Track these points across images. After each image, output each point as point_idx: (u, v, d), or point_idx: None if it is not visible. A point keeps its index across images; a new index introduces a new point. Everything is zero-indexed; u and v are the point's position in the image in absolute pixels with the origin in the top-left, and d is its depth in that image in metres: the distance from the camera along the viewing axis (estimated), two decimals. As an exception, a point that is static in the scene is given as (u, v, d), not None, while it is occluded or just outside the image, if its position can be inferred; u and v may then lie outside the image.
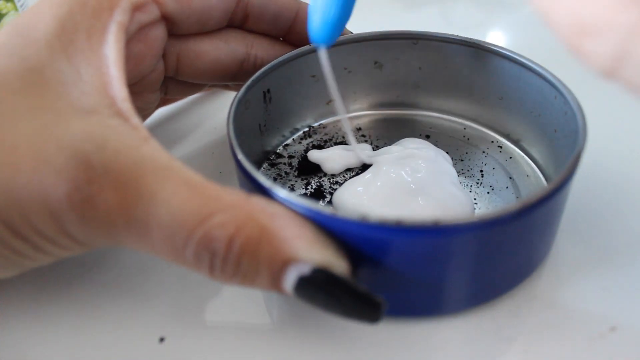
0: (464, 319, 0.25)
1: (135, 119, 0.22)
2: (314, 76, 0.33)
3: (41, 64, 0.22)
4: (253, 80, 0.29)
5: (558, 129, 0.29)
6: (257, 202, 0.22)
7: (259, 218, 0.21)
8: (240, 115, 0.28)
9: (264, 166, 0.32)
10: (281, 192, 0.22)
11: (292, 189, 0.31)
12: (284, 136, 0.34)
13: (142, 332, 0.25)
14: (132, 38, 0.26)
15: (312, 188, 0.31)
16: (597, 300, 0.26)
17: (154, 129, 0.37)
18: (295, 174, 0.32)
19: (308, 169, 0.32)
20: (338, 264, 0.21)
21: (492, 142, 0.33)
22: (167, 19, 0.27)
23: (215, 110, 0.38)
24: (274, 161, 0.33)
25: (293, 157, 0.33)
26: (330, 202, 0.30)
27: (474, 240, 0.22)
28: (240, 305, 0.26)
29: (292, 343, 0.25)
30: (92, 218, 0.20)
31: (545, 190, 0.23)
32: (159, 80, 0.29)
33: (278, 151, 0.33)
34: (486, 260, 0.23)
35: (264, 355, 0.24)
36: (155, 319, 0.25)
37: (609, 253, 0.28)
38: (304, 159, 0.33)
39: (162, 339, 0.25)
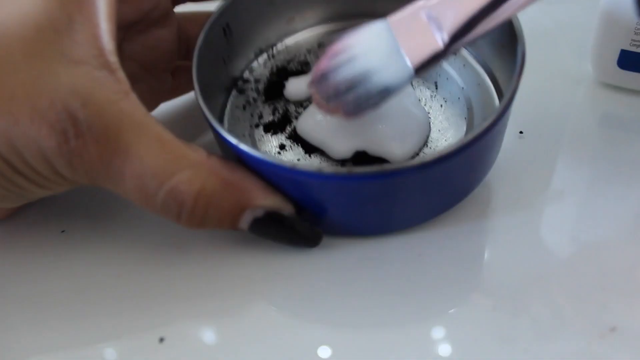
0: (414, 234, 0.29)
1: (120, 72, 0.25)
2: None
3: (37, 11, 0.24)
4: (212, 24, 0.30)
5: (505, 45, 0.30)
6: (216, 159, 0.26)
7: (221, 173, 0.25)
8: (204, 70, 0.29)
9: (233, 94, 0.34)
10: (246, 147, 0.26)
11: (260, 116, 0.33)
12: (249, 59, 0.35)
13: (142, 332, 0.26)
14: None
15: (279, 114, 0.33)
16: (597, 300, 0.27)
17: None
18: (263, 99, 0.34)
19: (274, 94, 0.34)
20: (286, 207, 0.26)
21: None
22: None
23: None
24: (241, 87, 0.34)
25: (259, 81, 0.35)
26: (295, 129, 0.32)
27: (414, 179, 0.26)
28: (240, 304, 0.27)
29: (291, 340, 0.26)
30: (77, 165, 0.24)
31: (473, 134, 0.25)
32: (167, 12, 0.31)
33: (245, 76, 0.35)
34: (428, 189, 0.27)
35: (263, 354, 0.26)
36: (155, 319, 0.26)
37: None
38: (270, 83, 0.34)
39: (162, 339, 0.26)
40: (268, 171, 0.26)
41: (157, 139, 0.24)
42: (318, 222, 0.28)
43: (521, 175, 0.30)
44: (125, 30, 0.30)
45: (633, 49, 0.34)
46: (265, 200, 0.26)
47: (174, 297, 0.27)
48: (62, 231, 0.30)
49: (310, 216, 0.28)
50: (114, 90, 0.24)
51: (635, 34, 0.33)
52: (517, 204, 0.30)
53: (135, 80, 0.31)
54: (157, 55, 0.31)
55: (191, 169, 0.24)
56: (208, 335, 0.27)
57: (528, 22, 0.29)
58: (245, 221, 0.26)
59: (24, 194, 0.26)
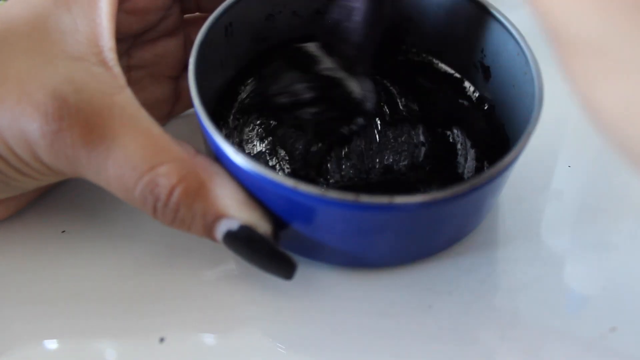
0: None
1: (117, 68, 0.25)
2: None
3: (46, 13, 0.25)
4: (216, 18, 0.29)
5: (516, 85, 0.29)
6: (202, 159, 0.25)
7: (200, 174, 0.25)
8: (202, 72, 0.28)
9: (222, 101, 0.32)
10: (243, 160, 0.24)
11: (246, 131, 0.32)
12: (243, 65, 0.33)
13: (142, 332, 0.26)
14: None
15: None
16: (597, 300, 0.27)
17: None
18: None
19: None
20: (262, 225, 0.25)
21: None
22: None
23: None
24: (232, 95, 0.33)
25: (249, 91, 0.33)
26: None
27: (428, 213, 0.25)
28: (240, 304, 0.27)
29: (289, 340, 0.26)
30: (59, 148, 0.24)
31: (480, 178, 0.24)
32: (176, 24, 0.31)
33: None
34: (440, 223, 0.26)
35: (263, 354, 0.26)
36: (155, 319, 0.27)
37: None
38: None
39: (162, 339, 0.26)
40: (259, 185, 0.24)
41: (145, 132, 0.24)
42: (311, 248, 0.27)
43: (521, 174, 0.30)
44: (133, 39, 0.30)
45: (633, 49, 0.34)
46: (241, 212, 0.25)
47: (174, 297, 0.28)
48: (62, 231, 0.29)
49: (302, 241, 0.26)
50: (110, 85, 0.25)
51: (635, 34, 0.33)
52: (519, 205, 0.30)
53: (142, 88, 0.31)
54: (166, 64, 0.32)
55: (172, 163, 0.24)
56: (208, 335, 0.27)
57: (528, 21, 0.29)
58: (220, 231, 0.25)
59: (9, 182, 0.26)
